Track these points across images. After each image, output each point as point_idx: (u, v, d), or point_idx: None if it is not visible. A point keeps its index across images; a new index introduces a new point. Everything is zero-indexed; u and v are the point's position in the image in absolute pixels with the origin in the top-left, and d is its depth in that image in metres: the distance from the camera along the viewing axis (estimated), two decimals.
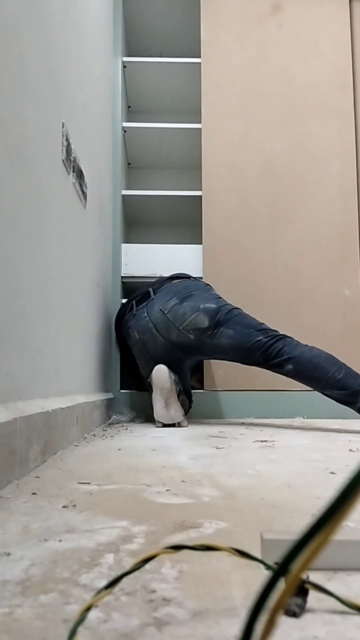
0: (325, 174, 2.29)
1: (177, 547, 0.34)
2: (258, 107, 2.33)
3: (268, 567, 0.38)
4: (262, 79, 2.34)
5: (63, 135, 1.19)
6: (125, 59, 2.38)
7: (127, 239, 2.57)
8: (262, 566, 0.41)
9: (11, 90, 0.82)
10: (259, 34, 2.36)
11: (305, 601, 0.33)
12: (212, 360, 2.14)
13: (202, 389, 2.15)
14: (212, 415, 2.12)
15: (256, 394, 2.14)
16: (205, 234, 2.24)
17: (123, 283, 2.24)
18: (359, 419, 2.02)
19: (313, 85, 2.34)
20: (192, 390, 2.08)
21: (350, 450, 1.11)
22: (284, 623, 0.32)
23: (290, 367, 1.65)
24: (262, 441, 1.29)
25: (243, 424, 1.87)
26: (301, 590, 0.33)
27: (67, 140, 1.22)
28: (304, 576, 0.33)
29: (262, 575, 0.40)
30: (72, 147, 1.30)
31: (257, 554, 0.44)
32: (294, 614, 0.32)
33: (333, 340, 2.19)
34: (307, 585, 0.33)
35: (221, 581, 0.38)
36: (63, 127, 1.19)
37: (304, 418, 2.11)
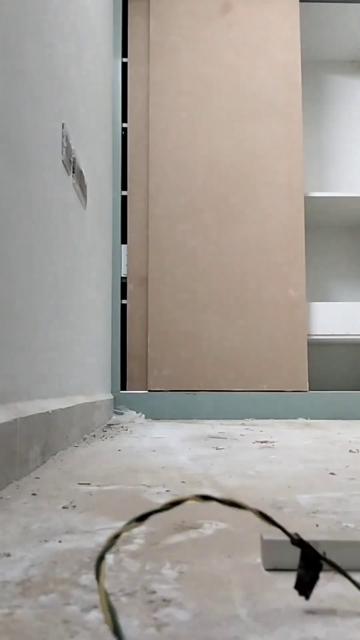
0: (272, 175, 2.28)
1: (205, 498, 0.34)
2: (206, 106, 2.31)
3: (289, 535, 0.37)
4: (210, 78, 2.32)
5: (63, 136, 1.19)
6: (125, 59, 2.38)
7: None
8: (262, 566, 0.41)
9: (11, 90, 0.82)
10: (208, 33, 2.34)
11: (317, 576, 0.32)
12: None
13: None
14: (212, 415, 2.12)
15: (256, 394, 2.14)
16: (150, 234, 2.23)
17: (123, 283, 2.24)
18: (359, 419, 2.02)
19: (261, 85, 2.32)
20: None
21: (350, 451, 1.11)
22: (284, 623, 0.31)
23: None
24: (262, 442, 1.29)
25: (243, 424, 1.87)
26: (314, 565, 0.32)
27: (67, 141, 1.22)
28: (321, 552, 0.33)
29: (262, 575, 0.39)
30: (72, 147, 1.30)
31: (257, 554, 0.44)
32: (304, 591, 0.32)
33: (278, 340, 2.18)
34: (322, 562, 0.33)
35: (221, 582, 0.38)
36: (63, 127, 1.19)
37: (304, 419, 2.11)
